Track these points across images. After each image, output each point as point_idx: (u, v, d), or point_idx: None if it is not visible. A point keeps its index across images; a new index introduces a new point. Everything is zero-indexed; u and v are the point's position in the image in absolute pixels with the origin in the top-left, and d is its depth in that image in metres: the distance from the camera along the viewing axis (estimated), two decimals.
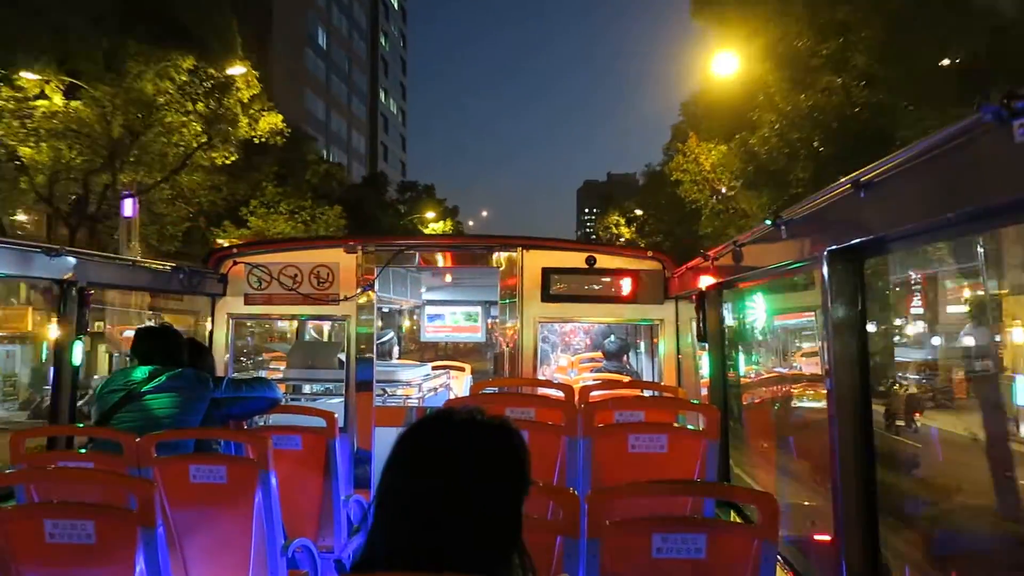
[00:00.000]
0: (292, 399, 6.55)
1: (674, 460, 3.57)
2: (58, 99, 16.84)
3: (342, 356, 5.80)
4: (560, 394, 4.64)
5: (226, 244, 25.02)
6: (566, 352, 11.02)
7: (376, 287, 5.61)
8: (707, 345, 4.44)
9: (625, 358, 7.29)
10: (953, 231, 1.91)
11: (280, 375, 7.31)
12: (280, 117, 21.60)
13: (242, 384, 4.17)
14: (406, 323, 11.05)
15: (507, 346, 5.71)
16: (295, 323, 8.59)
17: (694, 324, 4.57)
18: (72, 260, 3.80)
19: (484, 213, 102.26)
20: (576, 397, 4.51)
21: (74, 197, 19.68)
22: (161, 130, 18.47)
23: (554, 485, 3.26)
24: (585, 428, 3.68)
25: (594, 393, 4.70)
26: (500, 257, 5.68)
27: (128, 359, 4.10)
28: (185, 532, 3.33)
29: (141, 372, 3.77)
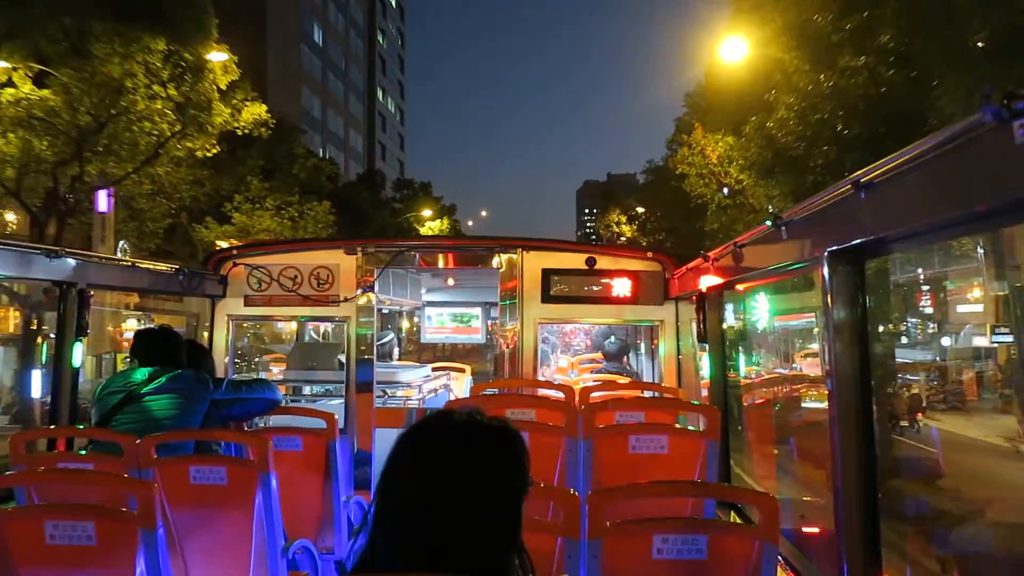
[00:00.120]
0: (292, 400, 6.55)
1: (674, 461, 3.57)
2: (27, 87, 15.79)
3: (342, 357, 5.80)
4: (560, 395, 4.64)
5: (213, 240, 23.89)
6: (566, 353, 11.02)
7: (376, 288, 5.61)
8: (707, 346, 4.43)
9: (625, 359, 7.29)
10: (954, 232, 1.91)
11: (279, 376, 7.31)
12: (264, 107, 20.41)
13: (242, 385, 4.17)
14: (406, 324, 11.06)
15: (507, 347, 5.71)
16: (292, 324, 8.59)
17: (694, 325, 4.57)
18: (72, 261, 3.80)
19: (483, 213, 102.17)
20: (576, 398, 4.52)
21: (45, 192, 18.49)
22: (133, 117, 17.12)
23: (555, 486, 3.26)
24: (585, 429, 3.68)
25: (594, 394, 4.70)
26: (500, 258, 5.68)
27: (127, 360, 4.10)
28: (185, 533, 3.33)
29: (141, 374, 3.77)
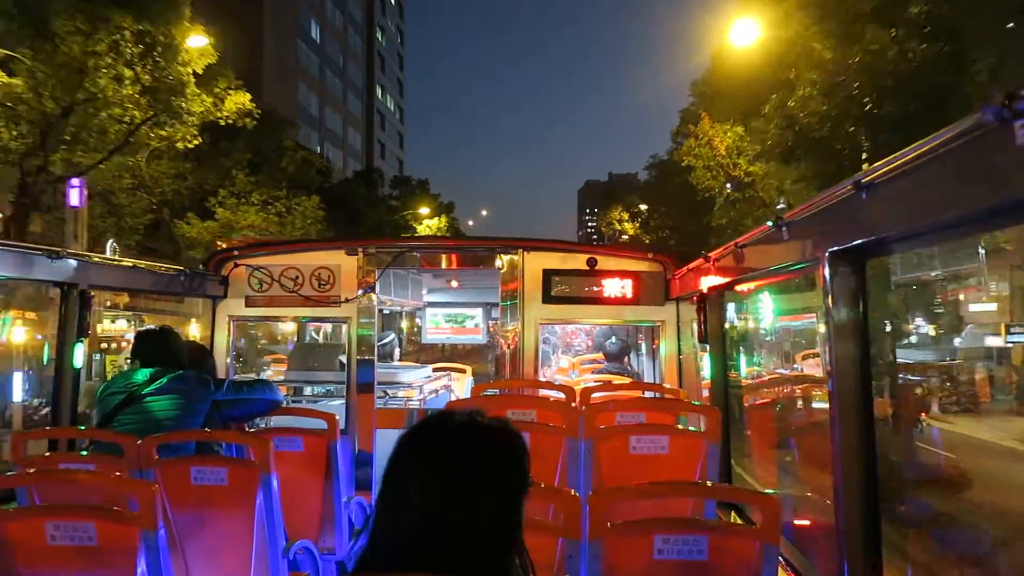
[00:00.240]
0: (293, 401, 6.55)
1: (675, 461, 3.57)
2: None
3: (343, 358, 5.81)
4: (561, 396, 4.64)
5: (194, 237, 22.88)
6: (567, 354, 11.02)
7: (377, 289, 5.61)
8: (708, 346, 4.43)
9: (626, 359, 7.29)
10: (955, 232, 1.91)
11: (280, 377, 7.31)
12: (248, 96, 19.29)
13: (243, 386, 4.17)
14: (407, 325, 11.05)
15: (508, 348, 5.71)
16: (289, 326, 8.57)
17: (695, 325, 4.57)
18: (73, 263, 3.80)
19: (484, 212, 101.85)
20: (577, 399, 4.52)
21: (17, 186, 17.36)
22: (102, 102, 15.70)
23: (555, 487, 3.26)
24: (586, 430, 3.68)
25: (595, 395, 4.70)
26: (501, 259, 5.68)
27: (122, 362, 4.10)
28: (186, 534, 3.33)
29: (142, 374, 3.77)
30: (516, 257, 5.62)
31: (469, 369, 8.97)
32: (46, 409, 14.80)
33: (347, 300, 5.53)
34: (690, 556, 2.33)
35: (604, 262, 5.57)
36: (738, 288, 4.11)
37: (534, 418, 3.86)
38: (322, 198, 28.10)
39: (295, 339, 10.33)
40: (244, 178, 25.26)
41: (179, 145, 18.47)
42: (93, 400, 3.90)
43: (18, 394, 14.58)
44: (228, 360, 5.60)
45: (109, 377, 12.68)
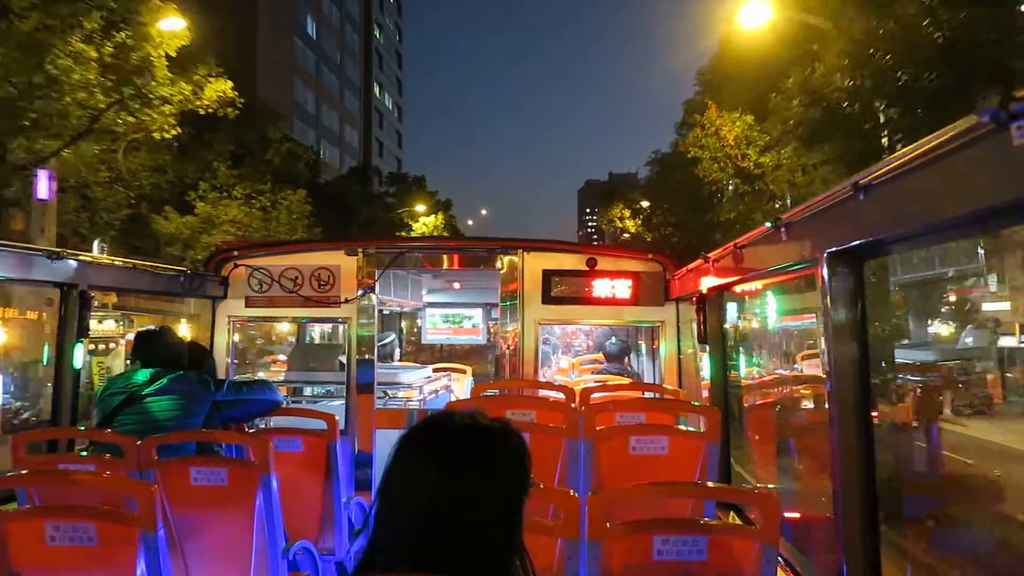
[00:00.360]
0: (293, 401, 6.55)
1: (675, 462, 3.58)
2: None
3: (343, 358, 5.81)
4: (561, 396, 4.65)
5: (172, 232, 21.74)
6: (567, 354, 11.02)
7: (377, 289, 5.62)
8: (707, 347, 4.44)
9: (626, 360, 7.29)
10: (952, 233, 1.92)
11: (280, 377, 7.32)
12: (230, 84, 18.14)
13: (243, 386, 4.17)
14: (407, 325, 11.05)
15: (508, 348, 5.71)
16: (283, 326, 8.56)
17: (694, 326, 4.57)
18: (73, 263, 3.81)
19: (483, 212, 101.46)
20: (577, 399, 4.52)
21: None
22: (67, 86, 14.49)
23: (555, 487, 3.26)
24: (586, 430, 3.68)
25: (595, 395, 4.71)
26: (501, 259, 5.69)
27: (128, 362, 4.10)
28: (186, 535, 3.33)
29: (142, 375, 3.78)
30: (516, 258, 5.63)
31: (469, 370, 8.98)
32: (27, 413, 14.62)
33: (347, 301, 5.54)
34: (689, 557, 2.33)
35: (604, 263, 5.58)
36: (737, 289, 4.12)
37: (534, 419, 3.86)
38: (311, 193, 26.87)
39: (293, 340, 10.32)
40: (227, 171, 23.99)
41: (156, 135, 17.44)
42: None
43: None
44: (228, 360, 5.61)
45: (96, 380, 12.60)
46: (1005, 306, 21.59)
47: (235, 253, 5.67)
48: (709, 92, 23.98)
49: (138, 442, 3.34)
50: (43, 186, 16.54)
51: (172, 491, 3.27)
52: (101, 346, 18.14)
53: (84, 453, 3.77)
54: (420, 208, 45.92)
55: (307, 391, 6.90)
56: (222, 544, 3.36)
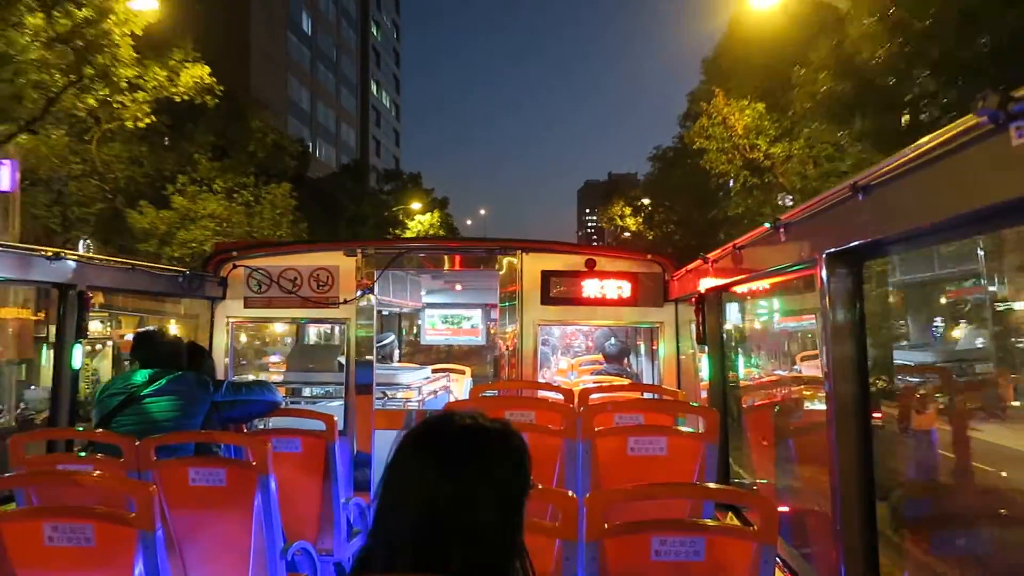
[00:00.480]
0: (292, 402, 6.55)
1: (673, 463, 3.57)
2: None
3: (342, 359, 5.81)
4: (560, 397, 4.64)
5: (146, 227, 20.60)
6: (566, 355, 11.02)
7: (376, 290, 5.62)
8: (706, 348, 4.44)
9: (626, 361, 7.29)
10: (951, 234, 1.92)
11: (279, 378, 7.31)
12: (207, 70, 17.20)
13: (242, 387, 4.17)
14: (406, 326, 11.05)
15: (507, 349, 5.71)
16: (277, 327, 8.54)
17: (693, 326, 4.57)
18: (72, 264, 3.80)
19: (482, 212, 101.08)
20: (576, 400, 4.52)
21: None
22: (24, 64, 13.34)
23: (553, 488, 3.26)
24: (584, 431, 3.68)
25: (593, 396, 4.71)
26: (500, 260, 5.69)
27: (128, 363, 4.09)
28: (184, 535, 3.33)
29: (141, 375, 3.77)
30: (515, 259, 5.63)
31: (468, 370, 8.98)
32: (2, 419, 14.40)
33: (346, 301, 5.54)
34: (687, 557, 2.33)
35: (603, 263, 5.58)
36: (736, 289, 4.12)
37: (532, 419, 3.86)
38: (298, 188, 25.69)
39: (290, 341, 10.30)
40: (208, 163, 22.65)
41: (128, 123, 16.41)
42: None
43: None
44: (227, 361, 5.61)
45: (84, 386, 12.54)
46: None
47: (234, 254, 5.67)
48: (715, 80, 22.31)
49: (137, 443, 3.34)
50: (4, 176, 15.29)
51: (170, 492, 3.27)
52: (87, 347, 17.99)
53: (83, 454, 3.77)
54: (415, 206, 44.67)
55: (306, 392, 6.90)
56: (220, 545, 3.35)
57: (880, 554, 2.36)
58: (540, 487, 2.45)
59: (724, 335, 4.51)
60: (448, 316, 8.88)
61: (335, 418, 4.33)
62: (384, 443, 5.32)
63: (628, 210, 39.33)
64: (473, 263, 6.04)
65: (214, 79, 17.43)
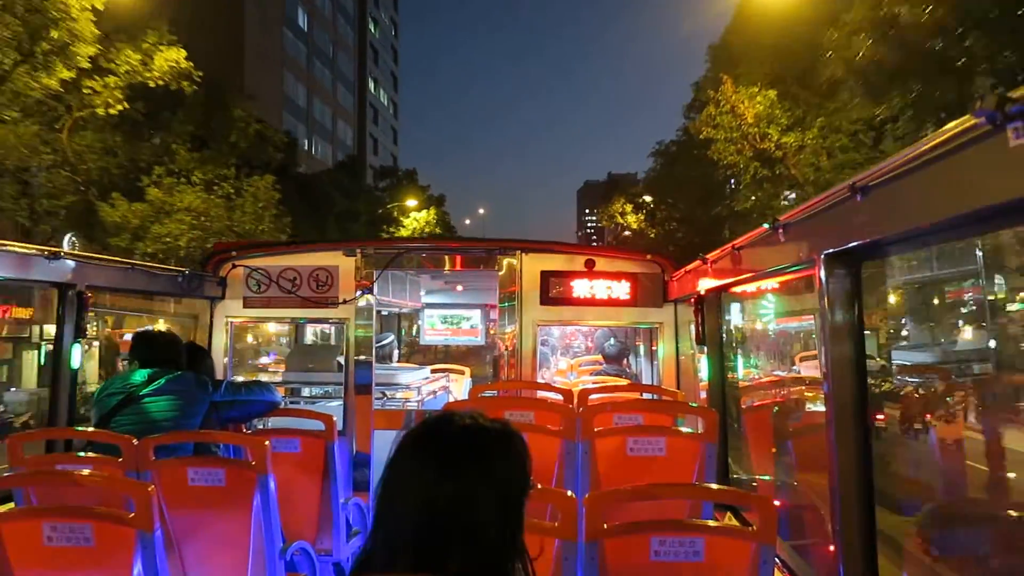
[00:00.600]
0: (291, 402, 6.55)
1: (672, 463, 3.58)
2: None
3: (341, 359, 5.81)
4: (559, 397, 4.65)
5: (117, 221, 19.44)
6: (566, 355, 11.02)
7: (375, 290, 5.62)
8: (705, 348, 4.44)
9: (625, 361, 7.29)
10: (949, 235, 1.92)
11: (278, 378, 7.31)
12: (183, 53, 16.28)
13: (241, 387, 4.17)
14: (405, 326, 11.05)
15: (507, 349, 5.71)
16: (270, 327, 8.53)
17: (693, 327, 4.58)
18: (71, 263, 3.80)
19: (481, 211, 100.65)
20: (575, 400, 4.52)
21: None
22: None
23: (552, 488, 3.27)
24: (584, 431, 3.68)
25: (593, 396, 4.71)
26: (500, 261, 5.70)
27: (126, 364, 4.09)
28: (183, 535, 3.33)
29: (140, 375, 3.77)
30: (514, 259, 5.64)
31: (467, 371, 8.98)
32: None
33: (345, 301, 5.54)
34: (686, 558, 2.33)
35: (602, 264, 5.59)
36: (735, 290, 4.12)
37: (532, 420, 3.86)
38: (282, 181, 24.39)
39: (279, 344, 10.27)
40: (186, 154, 21.28)
41: (99, 110, 15.52)
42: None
43: None
44: (226, 361, 5.61)
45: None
46: None
47: (233, 253, 5.67)
48: (722, 67, 21.11)
49: (135, 442, 3.34)
50: None
51: (169, 492, 3.27)
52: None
53: (81, 454, 3.77)
54: (411, 203, 43.54)
55: (305, 392, 6.90)
56: (219, 545, 3.35)
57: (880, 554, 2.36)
58: (539, 487, 2.46)
59: (723, 335, 4.52)
60: (447, 316, 8.88)
61: (334, 418, 4.33)
62: (383, 443, 5.33)
63: (629, 207, 38.32)
64: (473, 263, 6.04)
65: (191, 64, 16.55)
